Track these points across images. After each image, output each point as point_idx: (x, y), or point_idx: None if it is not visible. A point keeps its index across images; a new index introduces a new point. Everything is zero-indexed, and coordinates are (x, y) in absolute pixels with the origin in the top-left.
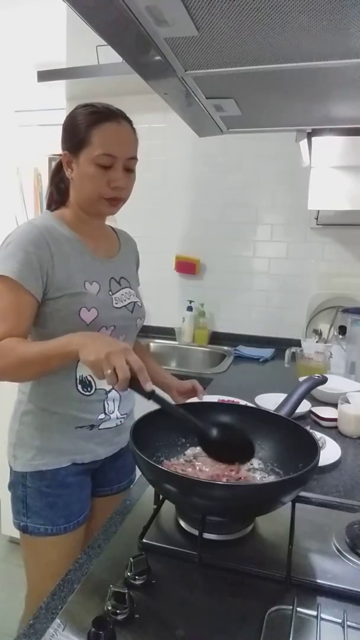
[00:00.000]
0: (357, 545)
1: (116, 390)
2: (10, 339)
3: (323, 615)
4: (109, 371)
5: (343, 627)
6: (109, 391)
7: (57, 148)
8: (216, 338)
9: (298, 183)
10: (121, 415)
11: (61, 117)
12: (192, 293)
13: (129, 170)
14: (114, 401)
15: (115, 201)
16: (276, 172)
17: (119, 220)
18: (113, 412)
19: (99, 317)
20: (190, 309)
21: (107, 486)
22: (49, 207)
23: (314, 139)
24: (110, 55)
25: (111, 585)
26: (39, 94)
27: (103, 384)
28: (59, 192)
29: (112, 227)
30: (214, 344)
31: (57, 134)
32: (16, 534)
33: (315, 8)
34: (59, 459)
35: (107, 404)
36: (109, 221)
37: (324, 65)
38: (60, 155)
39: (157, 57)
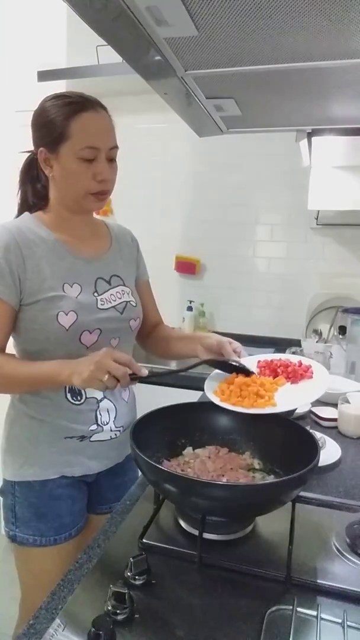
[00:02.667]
0: (357, 545)
1: (109, 399)
2: None
3: (323, 615)
4: (106, 377)
5: (343, 627)
6: (101, 400)
7: None
8: None
9: (298, 183)
10: (116, 427)
11: None
12: (192, 293)
13: (111, 160)
14: (108, 412)
15: (102, 195)
16: (276, 172)
17: (119, 220)
18: (107, 423)
19: (78, 320)
20: (190, 309)
21: (105, 504)
22: (27, 209)
23: (313, 139)
24: (110, 55)
25: (111, 585)
26: (39, 94)
27: (94, 392)
28: (35, 193)
29: (105, 223)
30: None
31: None
32: None
33: (315, 8)
34: (46, 470)
35: (100, 414)
36: (110, 220)
37: (324, 65)
38: (29, 151)
39: (157, 57)
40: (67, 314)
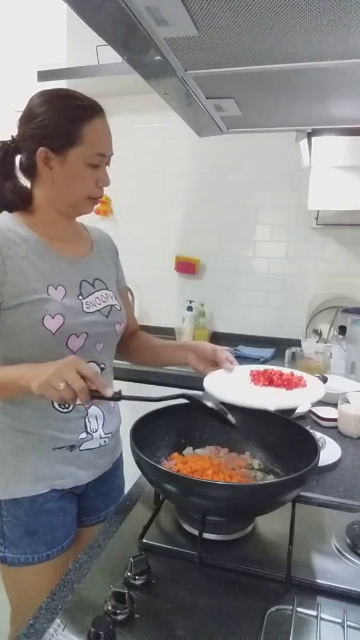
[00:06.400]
0: (357, 545)
1: (96, 405)
2: None
3: (323, 615)
4: (62, 385)
5: (343, 627)
6: (89, 407)
7: None
8: (216, 338)
9: (298, 183)
10: (105, 434)
11: None
12: (192, 293)
13: (107, 165)
14: (97, 419)
15: (98, 200)
16: (276, 172)
17: (119, 220)
18: (96, 430)
19: (65, 324)
20: (190, 309)
21: (94, 514)
22: (4, 207)
23: (313, 139)
24: (110, 55)
25: (111, 585)
26: None
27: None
28: (13, 189)
29: (83, 225)
30: (213, 344)
31: None
32: None
33: (315, 8)
34: (35, 484)
35: (89, 421)
36: (109, 221)
37: (324, 65)
38: (5, 141)
39: (157, 57)
40: (53, 317)
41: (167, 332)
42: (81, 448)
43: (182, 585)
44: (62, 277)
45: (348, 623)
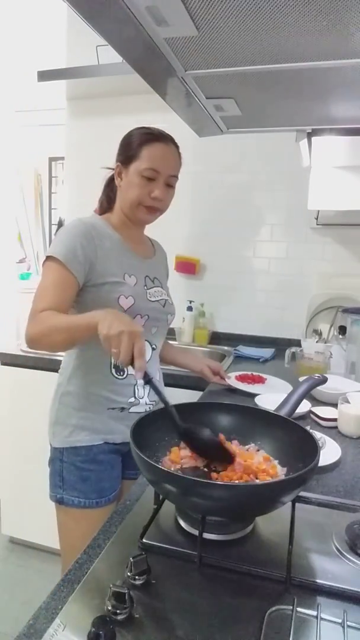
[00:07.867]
0: (357, 545)
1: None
2: (49, 311)
3: (323, 615)
4: (115, 350)
5: (343, 627)
6: (139, 378)
7: (56, 149)
8: (216, 338)
9: (298, 183)
10: (150, 401)
11: (61, 117)
12: (192, 293)
13: (169, 186)
14: (144, 387)
15: (153, 210)
16: (276, 172)
17: None
18: (142, 397)
19: (135, 305)
20: (190, 309)
21: (134, 469)
22: (100, 209)
23: (313, 139)
24: (110, 55)
25: (111, 585)
26: (39, 94)
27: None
28: (108, 200)
29: (147, 237)
30: (214, 344)
31: (57, 134)
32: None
33: (315, 8)
34: (92, 436)
35: (137, 389)
36: None
37: (324, 65)
38: (112, 168)
39: (157, 57)
40: (127, 298)
41: (168, 332)
42: (130, 411)
43: (182, 585)
44: (134, 269)
45: (348, 623)
